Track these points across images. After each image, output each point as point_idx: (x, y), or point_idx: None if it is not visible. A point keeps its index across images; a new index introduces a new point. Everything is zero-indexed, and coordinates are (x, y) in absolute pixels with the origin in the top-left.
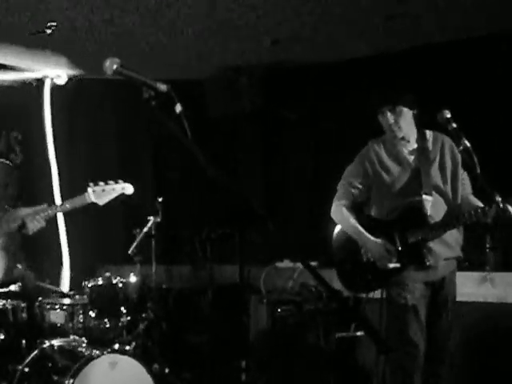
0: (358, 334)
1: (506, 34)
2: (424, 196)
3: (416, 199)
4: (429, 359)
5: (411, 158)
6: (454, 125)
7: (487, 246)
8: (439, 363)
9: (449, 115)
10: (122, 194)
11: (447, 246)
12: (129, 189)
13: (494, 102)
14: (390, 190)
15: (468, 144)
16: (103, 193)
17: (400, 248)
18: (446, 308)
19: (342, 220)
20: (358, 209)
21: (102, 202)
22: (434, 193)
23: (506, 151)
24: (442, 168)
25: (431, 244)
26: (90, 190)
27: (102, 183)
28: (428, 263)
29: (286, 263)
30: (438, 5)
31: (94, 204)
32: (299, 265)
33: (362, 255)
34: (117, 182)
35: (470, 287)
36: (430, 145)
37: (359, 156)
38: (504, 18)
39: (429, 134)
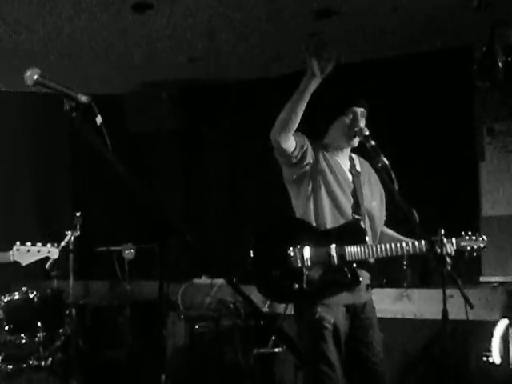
0: (276, 349)
1: (414, 56)
2: (361, 216)
3: (355, 217)
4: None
5: (350, 175)
6: (373, 142)
7: (404, 263)
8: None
9: (367, 132)
10: (47, 258)
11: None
12: (54, 253)
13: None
14: (332, 200)
15: (386, 161)
16: (27, 253)
17: (336, 262)
18: (372, 327)
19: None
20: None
21: (24, 262)
22: (366, 217)
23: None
24: (372, 194)
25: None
26: (14, 248)
27: (28, 243)
28: (359, 285)
29: (204, 279)
30: (352, 26)
31: (16, 262)
32: (217, 281)
33: (291, 261)
34: (44, 245)
35: (388, 304)
36: (358, 168)
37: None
38: (413, 43)
39: (354, 156)
